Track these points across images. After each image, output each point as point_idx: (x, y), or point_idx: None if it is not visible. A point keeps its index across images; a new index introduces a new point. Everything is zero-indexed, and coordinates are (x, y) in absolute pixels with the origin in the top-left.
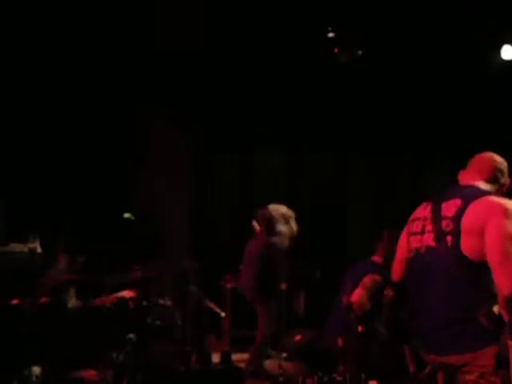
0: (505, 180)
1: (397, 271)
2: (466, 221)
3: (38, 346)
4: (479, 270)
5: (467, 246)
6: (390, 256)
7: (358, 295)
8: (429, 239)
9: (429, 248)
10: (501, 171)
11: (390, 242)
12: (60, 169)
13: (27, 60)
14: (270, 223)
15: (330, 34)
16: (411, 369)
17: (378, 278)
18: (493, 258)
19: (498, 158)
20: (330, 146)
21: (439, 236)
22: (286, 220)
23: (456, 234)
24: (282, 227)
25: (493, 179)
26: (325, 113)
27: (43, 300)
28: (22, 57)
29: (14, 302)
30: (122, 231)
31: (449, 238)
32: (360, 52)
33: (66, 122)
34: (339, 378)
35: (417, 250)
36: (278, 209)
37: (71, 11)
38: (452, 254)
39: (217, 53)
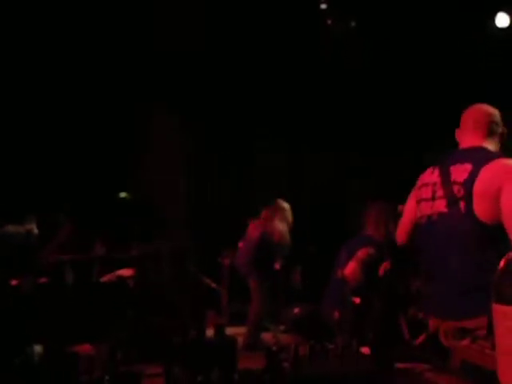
0: (502, 129)
1: (402, 233)
2: (480, 184)
3: (38, 324)
4: (493, 234)
5: (481, 209)
6: (380, 227)
7: (351, 268)
8: (440, 205)
9: (441, 214)
10: (496, 123)
11: (377, 213)
12: (61, 158)
13: (31, 58)
14: (282, 212)
15: (323, 6)
16: (406, 337)
17: (371, 250)
18: (510, 223)
19: (490, 109)
20: (330, 146)
21: (451, 202)
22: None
23: (469, 199)
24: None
25: (491, 133)
26: (325, 113)
27: (42, 280)
28: (26, 56)
29: (13, 282)
30: (119, 210)
31: (462, 204)
32: (354, 23)
33: (68, 119)
34: (331, 346)
35: (428, 216)
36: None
37: (72, 12)
38: (466, 220)
39: (217, 53)
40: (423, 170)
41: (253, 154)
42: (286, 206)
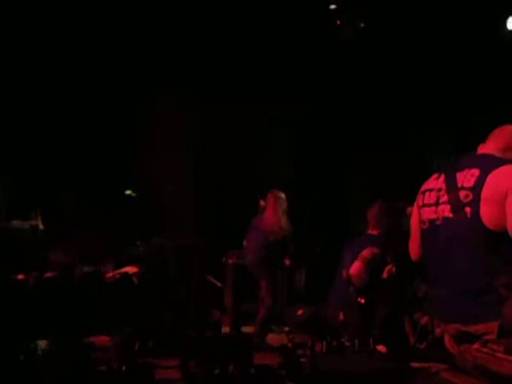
0: None
1: (414, 249)
2: (487, 190)
3: (44, 318)
4: (499, 239)
5: (487, 215)
6: (384, 227)
7: (356, 268)
8: (445, 210)
9: (445, 219)
10: None
11: (382, 214)
12: (65, 150)
13: (35, 58)
14: (283, 204)
15: (332, 6)
16: (411, 340)
17: (376, 250)
18: None
19: None
20: (330, 146)
21: (456, 207)
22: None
23: (476, 204)
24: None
25: (509, 148)
26: (326, 113)
27: (48, 275)
28: (30, 56)
29: (20, 276)
30: (124, 207)
31: (467, 209)
32: (362, 24)
33: (71, 118)
34: (348, 344)
35: (431, 221)
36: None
37: (74, 10)
38: (471, 225)
39: (217, 52)
40: (424, 169)
41: (255, 153)
42: (280, 194)
